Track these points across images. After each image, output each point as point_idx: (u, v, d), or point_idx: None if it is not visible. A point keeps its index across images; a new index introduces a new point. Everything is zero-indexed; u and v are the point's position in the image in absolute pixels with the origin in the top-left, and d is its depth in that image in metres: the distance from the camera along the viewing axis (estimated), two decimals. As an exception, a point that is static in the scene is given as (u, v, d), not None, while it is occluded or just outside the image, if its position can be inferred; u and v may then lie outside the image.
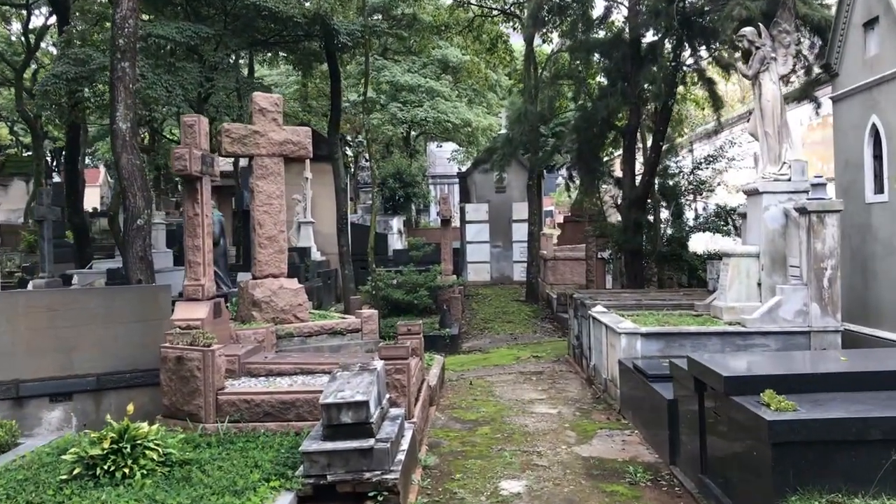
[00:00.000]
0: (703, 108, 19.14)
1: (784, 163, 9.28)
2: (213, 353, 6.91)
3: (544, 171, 26.08)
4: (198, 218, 7.85)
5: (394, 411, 6.41)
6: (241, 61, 29.27)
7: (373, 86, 34.46)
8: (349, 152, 38.39)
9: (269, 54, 21.42)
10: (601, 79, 15.51)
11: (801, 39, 10.14)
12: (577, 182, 15.72)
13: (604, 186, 15.93)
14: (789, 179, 9.20)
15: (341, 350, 9.33)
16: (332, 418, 5.53)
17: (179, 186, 25.67)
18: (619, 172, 14.88)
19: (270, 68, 36.41)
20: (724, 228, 13.47)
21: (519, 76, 20.82)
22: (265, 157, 9.40)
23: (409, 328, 8.72)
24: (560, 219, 32.46)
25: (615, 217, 15.81)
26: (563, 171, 45.79)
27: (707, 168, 13.64)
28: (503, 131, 23.20)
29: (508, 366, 12.63)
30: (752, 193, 9.45)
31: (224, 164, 28.32)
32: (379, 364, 6.26)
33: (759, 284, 9.33)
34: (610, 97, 12.99)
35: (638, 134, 14.14)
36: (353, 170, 38.27)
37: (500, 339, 15.94)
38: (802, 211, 8.56)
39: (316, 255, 20.85)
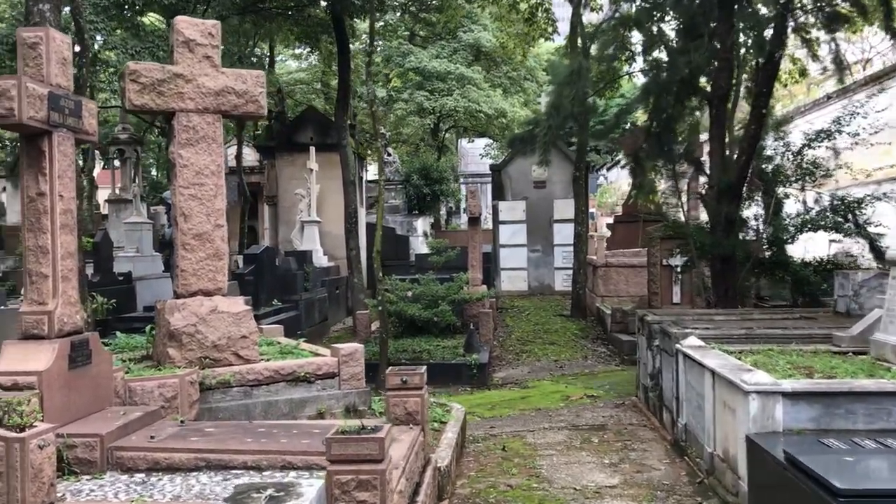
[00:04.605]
0: (797, 81, 15.57)
1: None
2: (24, 442, 3.74)
3: (589, 166, 22.69)
4: (44, 200, 4.67)
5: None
6: (258, 50, 26.38)
7: (398, 74, 31.43)
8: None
9: (272, 25, 18.26)
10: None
11: None
12: (641, 168, 12.23)
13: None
14: None
15: (306, 408, 6.10)
16: None
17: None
18: (697, 153, 11.54)
19: (299, 62, 33.56)
20: (845, 227, 10.01)
21: (563, 51, 17.43)
22: (193, 114, 6.18)
23: (404, 377, 5.46)
24: (607, 220, 28.93)
25: (683, 213, 12.44)
26: (605, 171, 41.75)
27: (820, 146, 10.17)
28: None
29: (556, 411, 9.33)
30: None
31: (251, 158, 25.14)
32: (313, 490, 3.02)
33: (957, 310, 5.95)
34: (693, 51, 9.61)
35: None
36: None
37: (542, 368, 12.62)
38: None
39: (322, 261, 17.71)
